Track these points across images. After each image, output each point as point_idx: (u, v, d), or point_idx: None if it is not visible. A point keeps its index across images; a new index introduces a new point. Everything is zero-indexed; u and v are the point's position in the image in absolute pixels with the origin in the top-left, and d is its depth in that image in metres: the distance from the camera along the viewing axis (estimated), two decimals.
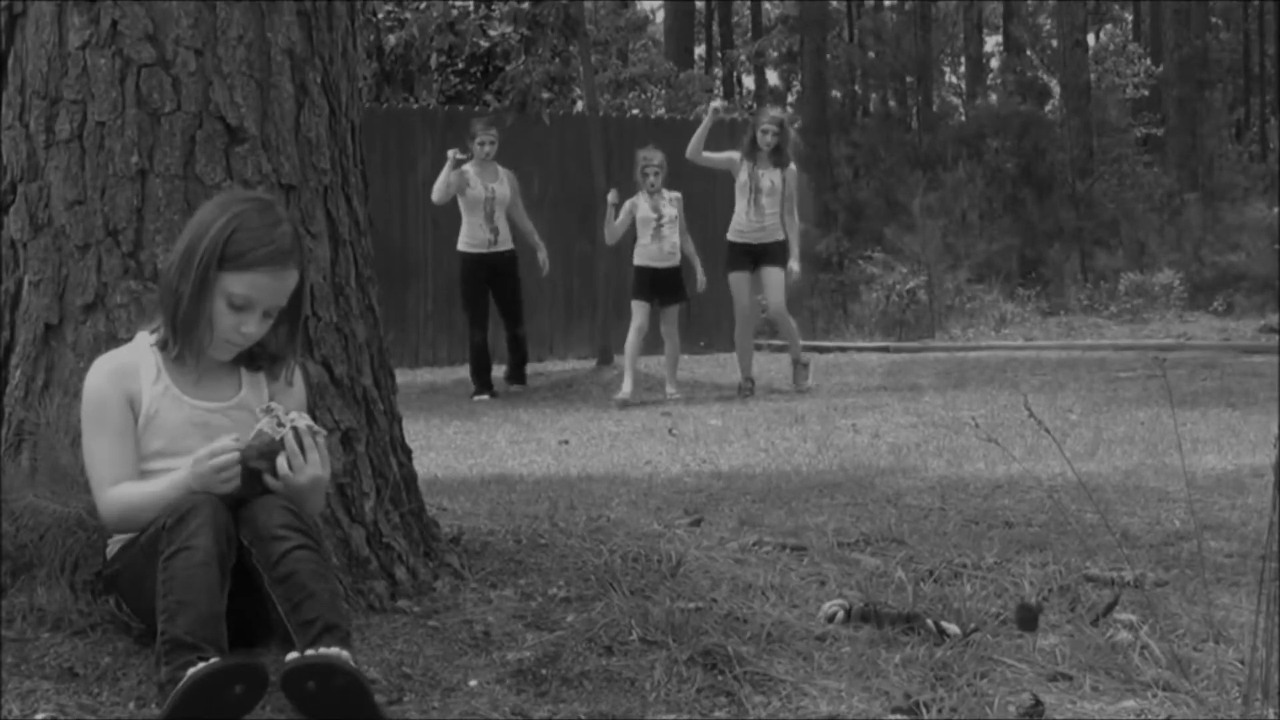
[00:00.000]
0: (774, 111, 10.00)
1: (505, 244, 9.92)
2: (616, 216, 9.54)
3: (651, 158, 9.50)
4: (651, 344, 9.74)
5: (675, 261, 9.49)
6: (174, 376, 2.56)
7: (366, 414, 2.97)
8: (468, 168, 9.83)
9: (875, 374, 11.05)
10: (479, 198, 9.81)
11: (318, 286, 2.86)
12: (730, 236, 9.57)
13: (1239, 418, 7.10)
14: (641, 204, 9.50)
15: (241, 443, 2.45)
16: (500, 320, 10.16)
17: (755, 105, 24.83)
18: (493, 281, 9.93)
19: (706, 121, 9.58)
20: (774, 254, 9.44)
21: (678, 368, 9.78)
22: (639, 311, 9.50)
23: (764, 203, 9.37)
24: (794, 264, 9.50)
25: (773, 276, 9.44)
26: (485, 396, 9.92)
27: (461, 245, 9.99)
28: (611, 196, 9.55)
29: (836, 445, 6.45)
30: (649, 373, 9.99)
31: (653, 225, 9.44)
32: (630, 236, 9.68)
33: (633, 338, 9.45)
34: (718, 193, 13.49)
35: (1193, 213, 20.70)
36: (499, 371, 10.44)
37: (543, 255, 10.22)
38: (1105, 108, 24.36)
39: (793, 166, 9.59)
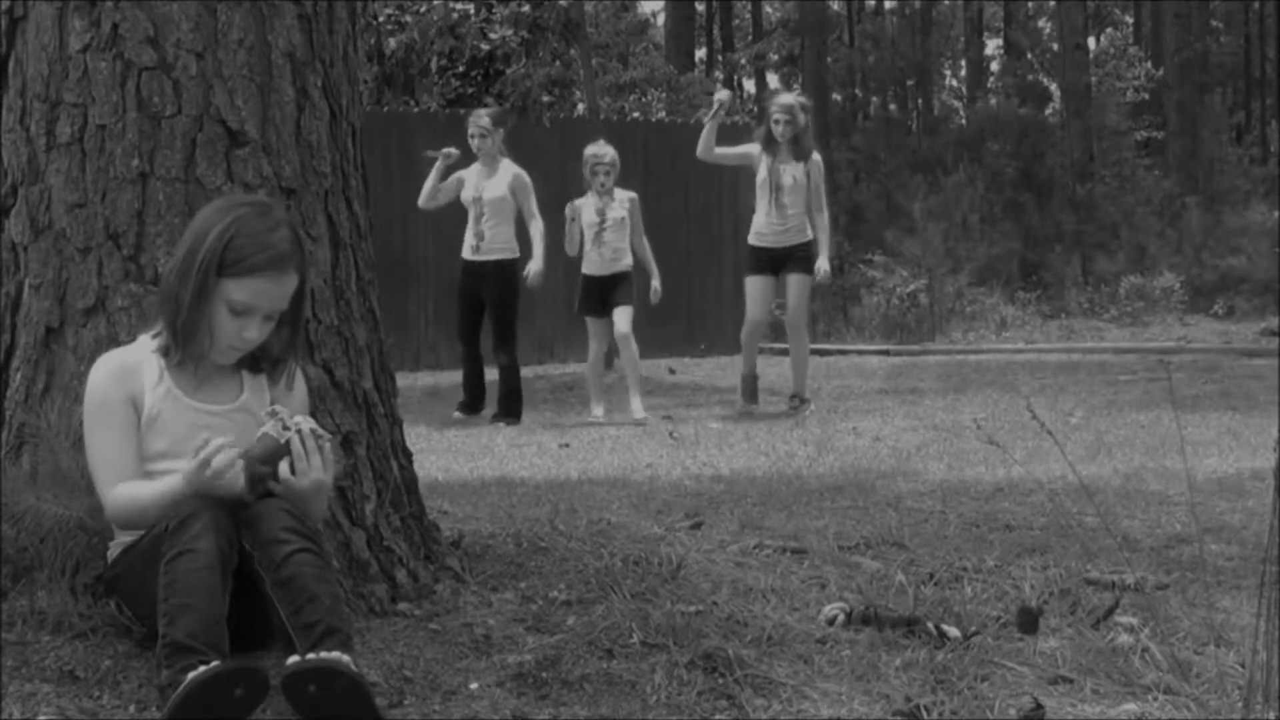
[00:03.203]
0: (784, 98, 8.77)
1: (491, 253, 8.65)
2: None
3: (602, 155, 8.49)
4: (646, 350, 9.10)
5: (620, 267, 8.52)
6: (176, 379, 2.56)
7: (367, 417, 2.97)
8: (473, 166, 8.80)
9: (876, 377, 11.05)
10: (467, 199, 8.77)
11: (318, 290, 2.86)
12: (750, 240, 8.68)
13: (1240, 421, 7.11)
14: (586, 206, 8.53)
15: (243, 445, 2.46)
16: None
17: (753, 104, 24.59)
18: (481, 294, 8.72)
19: (712, 114, 8.67)
20: (798, 258, 8.47)
21: (639, 379, 8.63)
22: (591, 326, 8.61)
23: (786, 201, 8.41)
24: (823, 262, 8.46)
25: (795, 283, 8.47)
26: (460, 415, 8.75)
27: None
28: (568, 210, 8.62)
29: (837, 448, 6.45)
30: (646, 376, 9.87)
31: (595, 229, 8.48)
32: None
33: (592, 355, 8.65)
34: (723, 195, 13.54)
35: (1193, 216, 20.69)
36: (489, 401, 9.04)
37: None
38: (1105, 111, 24.35)
39: (815, 156, 8.55)
